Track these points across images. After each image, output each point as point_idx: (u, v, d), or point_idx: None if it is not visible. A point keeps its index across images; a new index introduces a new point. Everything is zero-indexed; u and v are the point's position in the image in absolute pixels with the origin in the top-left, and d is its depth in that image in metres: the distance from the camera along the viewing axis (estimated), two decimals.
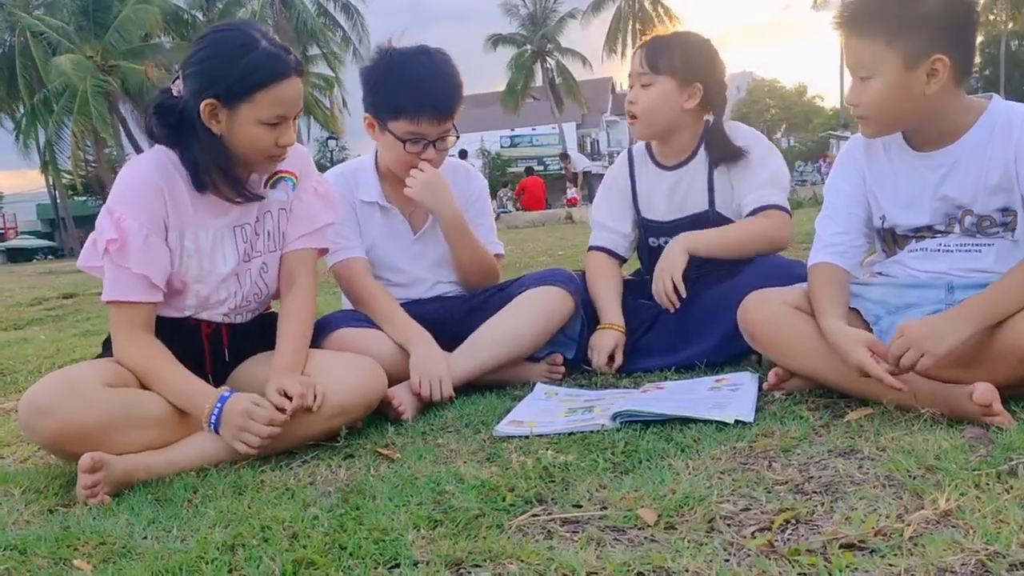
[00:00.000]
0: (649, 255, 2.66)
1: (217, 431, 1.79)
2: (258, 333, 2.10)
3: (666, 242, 2.58)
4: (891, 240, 1.96)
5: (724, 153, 2.44)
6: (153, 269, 1.88)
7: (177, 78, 1.89)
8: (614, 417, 1.82)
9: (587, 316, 2.45)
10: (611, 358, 2.39)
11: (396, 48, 2.29)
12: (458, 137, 2.35)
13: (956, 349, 1.61)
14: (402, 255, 2.48)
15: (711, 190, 2.48)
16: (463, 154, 19.03)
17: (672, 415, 1.79)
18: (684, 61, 2.38)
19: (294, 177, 2.09)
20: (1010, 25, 44.92)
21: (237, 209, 1.99)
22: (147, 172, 1.90)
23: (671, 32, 2.55)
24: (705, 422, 1.75)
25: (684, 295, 2.33)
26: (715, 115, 2.48)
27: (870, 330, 1.89)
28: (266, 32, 1.90)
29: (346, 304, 2.50)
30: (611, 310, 2.47)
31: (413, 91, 2.22)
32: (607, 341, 2.40)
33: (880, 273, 1.98)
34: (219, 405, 1.79)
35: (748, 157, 2.43)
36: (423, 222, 2.47)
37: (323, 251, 2.19)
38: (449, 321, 2.39)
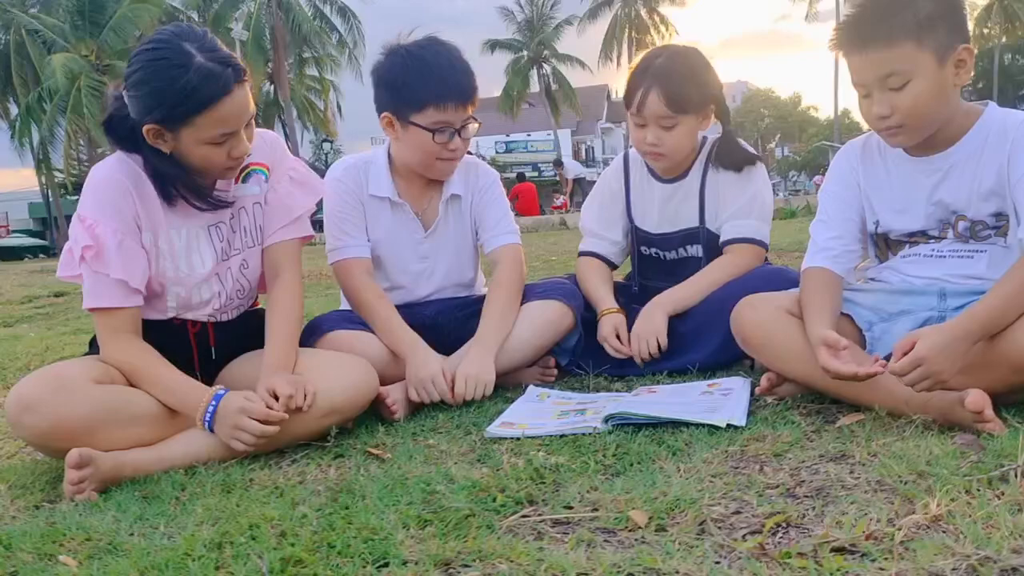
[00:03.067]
0: (640, 262, 2.66)
1: (211, 429, 1.78)
2: (245, 330, 2.08)
3: (656, 253, 2.58)
4: (884, 245, 1.96)
5: (736, 159, 2.45)
6: (131, 273, 1.86)
7: (125, 86, 1.83)
8: (606, 420, 1.81)
9: (584, 327, 2.44)
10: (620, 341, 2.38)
11: (404, 43, 2.27)
12: (480, 124, 2.33)
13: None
14: (410, 255, 2.45)
15: (702, 207, 2.49)
16: None
17: (664, 418, 1.79)
18: (700, 95, 2.36)
19: (265, 169, 2.05)
20: (1003, 39, 45.23)
21: (210, 209, 1.97)
22: (114, 175, 1.88)
23: (669, 51, 2.41)
24: (697, 426, 1.75)
25: (665, 349, 2.34)
26: (724, 123, 2.48)
27: (862, 336, 1.89)
28: (204, 39, 1.80)
29: (344, 302, 2.48)
30: (605, 298, 2.48)
31: (437, 79, 2.21)
32: (607, 328, 2.40)
33: (873, 279, 1.98)
34: (214, 403, 1.78)
35: (741, 174, 2.44)
36: (433, 221, 2.44)
37: (306, 239, 2.13)
38: (446, 326, 2.38)
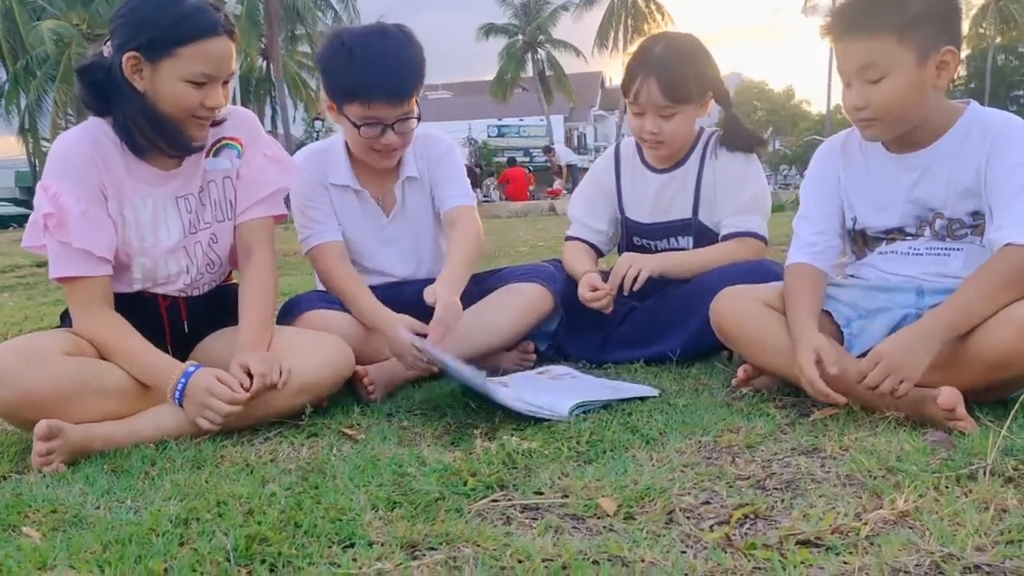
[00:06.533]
0: (631, 252, 2.65)
1: (181, 404, 1.77)
2: (218, 305, 2.06)
3: (647, 243, 2.57)
4: (861, 241, 1.96)
5: (745, 142, 2.46)
6: (95, 242, 1.83)
7: (108, 40, 1.83)
8: (572, 411, 1.83)
9: (565, 312, 2.44)
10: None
11: (349, 29, 2.22)
12: (419, 119, 2.24)
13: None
14: (374, 239, 2.42)
15: (697, 199, 2.48)
16: None
17: (608, 400, 1.91)
18: (698, 83, 2.36)
19: (239, 144, 2.03)
20: (998, 39, 45.34)
21: (177, 179, 1.95)
22: (78, 143, 1.85)
23: (667, 39, 2.41)
24: (642, 399, 1.90)
25: (641, 286, 2.33)
26: (725, 108, 2.49)
27: (841, 332, 1.89)
28: None
29: (319, 285, 2.47)
30: (588, 268, 2.49)
31: (365, 74, 2.12)
32: (586, 281, 2.40)
33: (852, 275, 1.98)
34: (183, 380, 1.76)
35: (737, 169, 2.44)
36: (393, 206, 2.41)
37: (279, 218, 2.10)
38: (423, 307, 2.36)
